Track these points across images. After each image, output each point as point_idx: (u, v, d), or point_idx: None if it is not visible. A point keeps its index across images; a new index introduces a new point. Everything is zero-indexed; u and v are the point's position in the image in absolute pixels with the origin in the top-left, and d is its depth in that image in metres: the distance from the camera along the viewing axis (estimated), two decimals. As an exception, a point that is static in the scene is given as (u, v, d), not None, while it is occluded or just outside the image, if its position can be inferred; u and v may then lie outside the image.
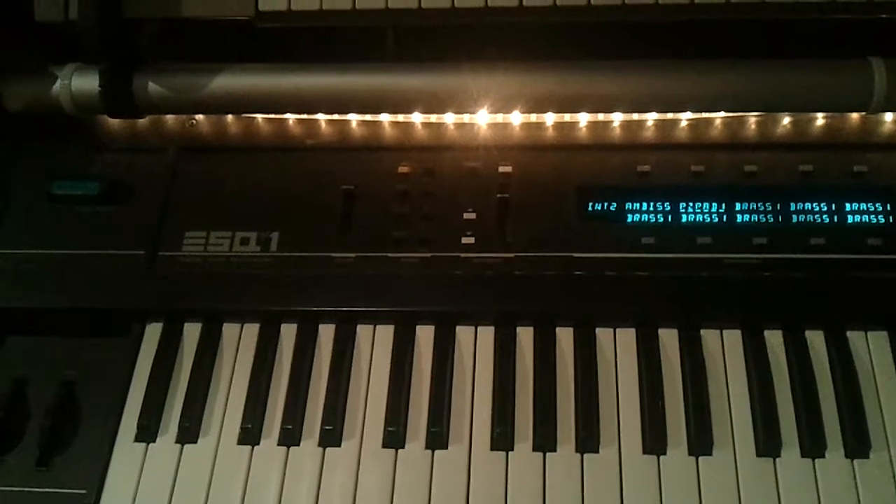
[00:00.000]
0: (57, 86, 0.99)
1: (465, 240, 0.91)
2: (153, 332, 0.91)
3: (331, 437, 0.83)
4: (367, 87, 0.98)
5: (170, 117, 1.04)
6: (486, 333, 0.88)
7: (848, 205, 0.89)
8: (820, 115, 0.96)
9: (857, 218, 0.89)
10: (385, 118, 1.01)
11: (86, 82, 0.98)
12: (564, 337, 0.87)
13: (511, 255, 0.90)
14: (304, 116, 1.03)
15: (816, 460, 0.79)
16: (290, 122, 1.03)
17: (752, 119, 0.97)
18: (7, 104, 1.01)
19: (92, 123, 1.05)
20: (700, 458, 0.80)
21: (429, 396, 0.85)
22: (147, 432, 0.85)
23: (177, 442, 0.85)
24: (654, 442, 0.80)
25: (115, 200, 0.97)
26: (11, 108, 1.01)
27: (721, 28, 0.93)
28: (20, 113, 1.01)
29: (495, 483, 0.80)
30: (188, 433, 0.85)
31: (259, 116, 1.03)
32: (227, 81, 0.98)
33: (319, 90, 0.98)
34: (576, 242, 0.90)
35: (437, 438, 0.82)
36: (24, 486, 0.84)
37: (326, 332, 0.90)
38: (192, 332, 0.91)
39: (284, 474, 0.82)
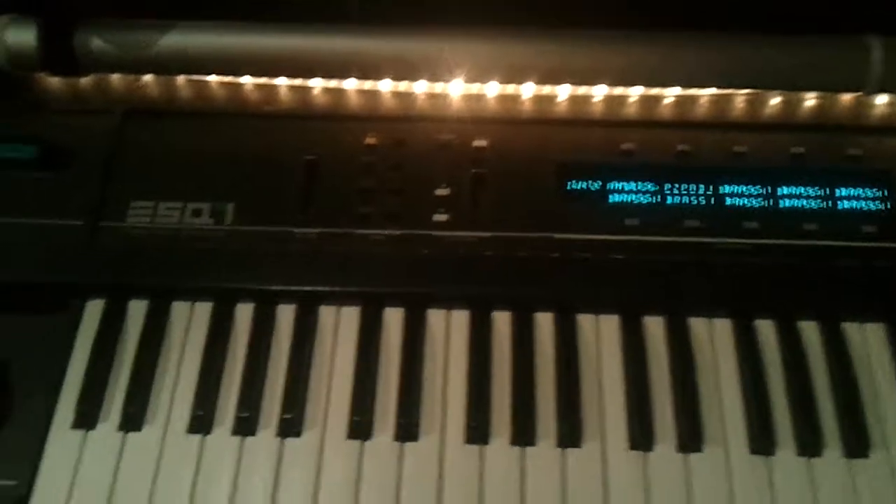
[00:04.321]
0: (-10, 38, 0.90)
1: (437, 217, 0.85)
2: (94, 310, 0.83)
3: (291, 426, 0.76)
4: (333, 49, 0.91)
5: (115, 77, 0.96)
6: (460, 318, 0.82)
7: (841, 190, 0.85)
8: (813, 94, 0.92)
9: (851, 204, 0.85)
10: (351, 85, 0.95)
11: (22, 35, 0.90)
12: (544, 323, 0.81)
13: (486, 234, 0.84)
14: (264, 80, 0.96)
15: (813, 459, 0.74)
16: (248, 86, 0.96)
17: (741, 97, 0.92)
18: (-67, 55, 0.92)
19: (28, 81, 0.96)
20: (689, 456, 0.75)
21: (398, 384, 0.78)
22: (86, 418, 0.77)
23: (119, 429, 0.77)
24: (641, 437, 0.75)
25: (54, 165, 0.89)
26: (-62, 59, 0.92)
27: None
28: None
29: (470, 479, 0.74)
30: (132, 420, 0.77)
31: (214, 79, 0.96)
32: (180, 39, 0.91)
33: (281, 52, 0.91)
34: (555, 222, 0.84)
35: (408, 430, 0.76)
36: (-50, 476, 0.76)
37: (286, 314, 0.83)
38: (137, 311, 0.83)
39: (238, 467, 0.75)
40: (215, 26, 0.91)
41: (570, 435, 0.75)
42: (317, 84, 0.96)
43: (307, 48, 0.91)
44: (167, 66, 0.92)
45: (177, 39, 0.90)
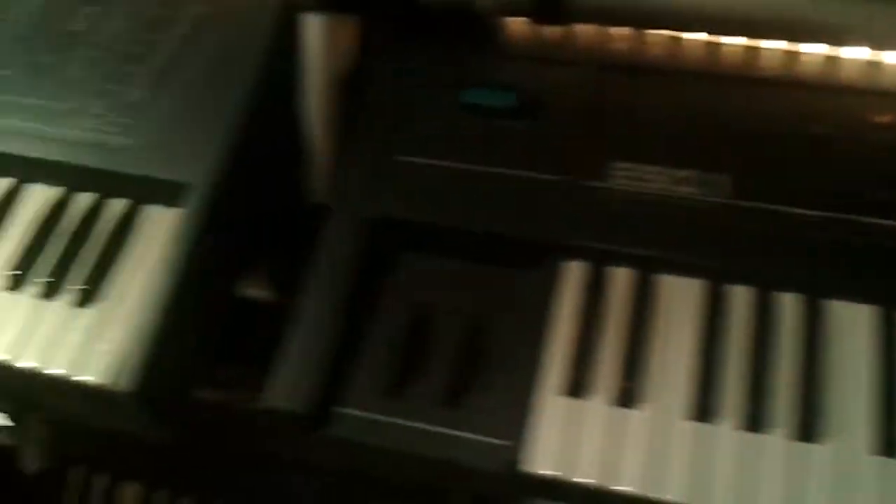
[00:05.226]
0: (474, -21, 0.88)
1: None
2: (574, 272, 0.80)
3: (806, 430, 0.70)
4: (830, 11, 0.81)
5: (582, 29, 0.92)
6: None
7: None
8: None
9: None
10: (849, 53, 0.84)
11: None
12: None
13: None
14: (746, 42, 0.87)
15: None
16: (728, 46, 0.88)
17: None
18: (421, -5, 0.92)
19: (494, 28, 0.94)
20: None
21: None
22: (576, 387, 0.74)
23: (613, 404, 0.73)
24: None
25: (532, 115, 0.86)
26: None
27: None
28: (430, 8, 0.92)
29: None
30: (627, 396, 0.73)
31: (689, 37, 0.89)
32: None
33: (777, 12, 0.83)
34: None
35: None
36: (433, 424, 0.76)
37: (791, 304, 0.76)
38: (620, 279, 0.79)
39: (741, 464, 0.69)
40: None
41: None
42: (807, 50, 0.86)
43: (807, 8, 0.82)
44: (655, 19, 0.86)
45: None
